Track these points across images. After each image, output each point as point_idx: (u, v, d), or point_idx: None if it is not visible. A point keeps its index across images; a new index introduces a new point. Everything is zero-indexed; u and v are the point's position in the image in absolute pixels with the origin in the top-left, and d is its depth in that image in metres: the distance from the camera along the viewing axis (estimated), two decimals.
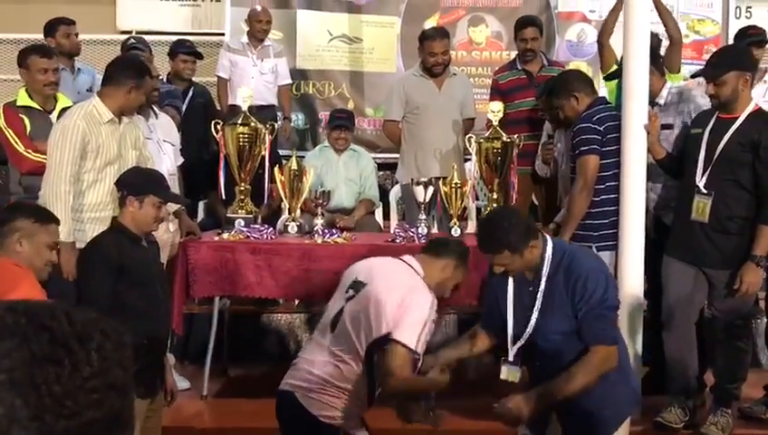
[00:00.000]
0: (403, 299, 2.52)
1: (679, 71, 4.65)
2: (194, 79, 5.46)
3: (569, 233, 3.72)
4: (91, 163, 3.43)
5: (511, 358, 2.66)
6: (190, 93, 5.27)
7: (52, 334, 0.70)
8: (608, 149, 3.70)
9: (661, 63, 4.03)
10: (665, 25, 4.38)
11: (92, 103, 3.50)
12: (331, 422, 2.55)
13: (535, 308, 2.56)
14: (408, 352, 2.47)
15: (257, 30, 5.48)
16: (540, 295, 2.55)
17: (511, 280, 2.62)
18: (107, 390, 0.72)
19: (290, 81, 5.73)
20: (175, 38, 5.74)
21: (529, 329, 2.58)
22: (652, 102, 3.73)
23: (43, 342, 0.70)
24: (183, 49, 5.32)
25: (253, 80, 5.35)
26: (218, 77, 5.58)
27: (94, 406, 0.70)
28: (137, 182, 2.88)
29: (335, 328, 2.61)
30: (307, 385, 2.57)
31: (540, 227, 4.20)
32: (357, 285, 2.64)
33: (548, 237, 2.63)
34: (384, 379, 2.51)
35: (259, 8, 5.64)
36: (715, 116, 3.53)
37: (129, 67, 3.57)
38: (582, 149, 3.72)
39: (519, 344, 2.60)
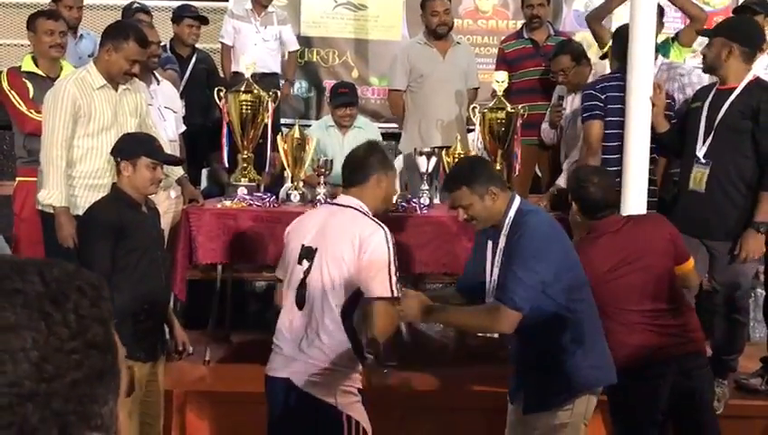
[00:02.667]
0: (359, 250, 2.46)
1: (691, 45, 4.67)
2: (197, 45, 5.42)
3: None
4: (84, 129, 3.43)
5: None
6: (193, 59, 5.23)
7: (25, 298, 0.69)
8: (609, 119, 3.71)
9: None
10: (683, 11, 4.42)
11: (86, 69, 3.52)
12: (331, 403, 2.49)
13: (495, 265, 2.56)
14: (389, 303, 2.46)
15: None
16: (499, 253, 2.54)
17: (490, 243, 2.60)
18: (87, 349, 0.70)
19: (297, 47, 5.70)
20: (177, 4, 5.69)
21: (491, 285, 2.56)
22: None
23: (16, 307, 0.68)
24: (188, 13, 5.27)
25: (255, 46, 5.30)
26: (222, 44, 5.54)
27: (74, 367, 0.69)
28: (127, 147, 2.91)
29: (302, 306, 2.54)
30: (303, 368, 2.51)
31: (543, 195, 4.24)
32: (308, 253, 2.55)
33: (516, 197, 2.59)
34: (377, 336, 2.51)
35: None
36: (714, 89, 3.54)
37: (108, 30, 3.56)
38: (585, 115, 3.78)
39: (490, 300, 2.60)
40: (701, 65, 3.72)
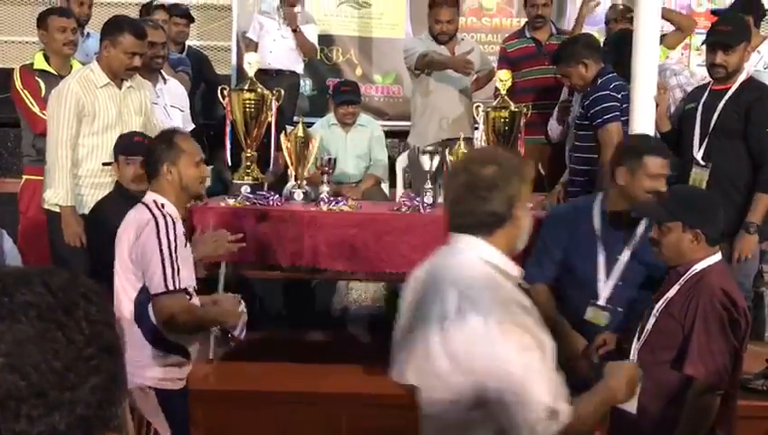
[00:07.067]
0: (131, 248, 2.42)
1: (675, 48, 4.79)
2: (197, 44, 5.41)
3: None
4: (89, 127, 3.44)
5: (602, 301, 2.75)
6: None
7: (38, 311, 0.70)
8: (625, 118, 3.69)
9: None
10: (672, 22, 4.47)
11: (90, 68, 3.52)
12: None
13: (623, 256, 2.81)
14: (166, 297, 2.39)
15: None
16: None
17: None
18: (101, 353, 0.72)
19: (315, 44, 5.58)
20: (186, 2, 5.68)
21: (618, 272, 2.76)
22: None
23: (32, 319, 0.69)
24: (176, 11, 5.27)
25: (274, 42, 5.32)
26: (249, 39, 5.53)
27: (93, 372, 0.71)
28: (114, 148, 3.13)
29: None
30: None
31: (545, 195, 4.25)
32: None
33: None
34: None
35: None
36: (708, 89, 3.55)
37: (104, 27, 3.56)
38: (605, 117, 3.66)
39: (611, 284, 2.77)
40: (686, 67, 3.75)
